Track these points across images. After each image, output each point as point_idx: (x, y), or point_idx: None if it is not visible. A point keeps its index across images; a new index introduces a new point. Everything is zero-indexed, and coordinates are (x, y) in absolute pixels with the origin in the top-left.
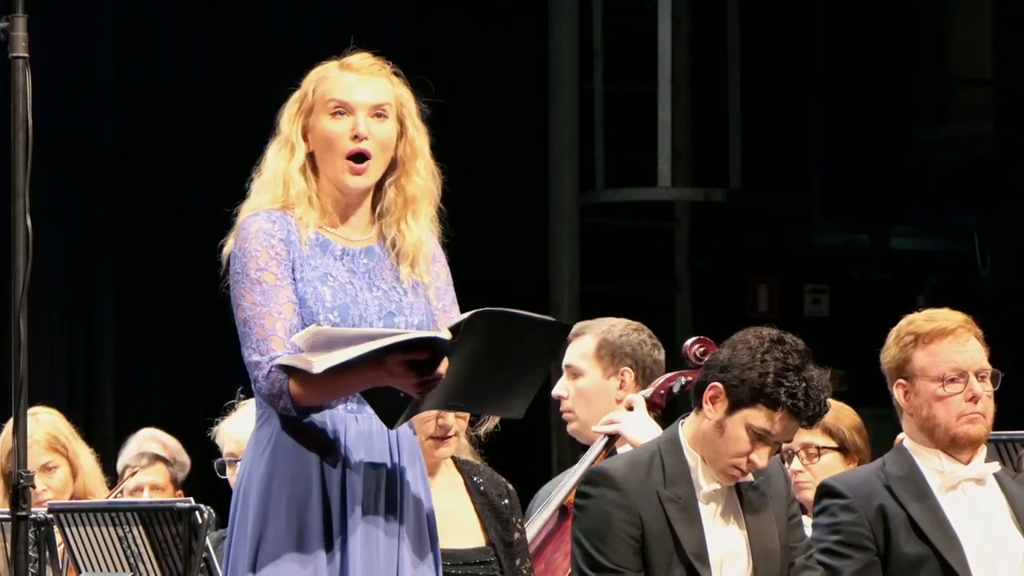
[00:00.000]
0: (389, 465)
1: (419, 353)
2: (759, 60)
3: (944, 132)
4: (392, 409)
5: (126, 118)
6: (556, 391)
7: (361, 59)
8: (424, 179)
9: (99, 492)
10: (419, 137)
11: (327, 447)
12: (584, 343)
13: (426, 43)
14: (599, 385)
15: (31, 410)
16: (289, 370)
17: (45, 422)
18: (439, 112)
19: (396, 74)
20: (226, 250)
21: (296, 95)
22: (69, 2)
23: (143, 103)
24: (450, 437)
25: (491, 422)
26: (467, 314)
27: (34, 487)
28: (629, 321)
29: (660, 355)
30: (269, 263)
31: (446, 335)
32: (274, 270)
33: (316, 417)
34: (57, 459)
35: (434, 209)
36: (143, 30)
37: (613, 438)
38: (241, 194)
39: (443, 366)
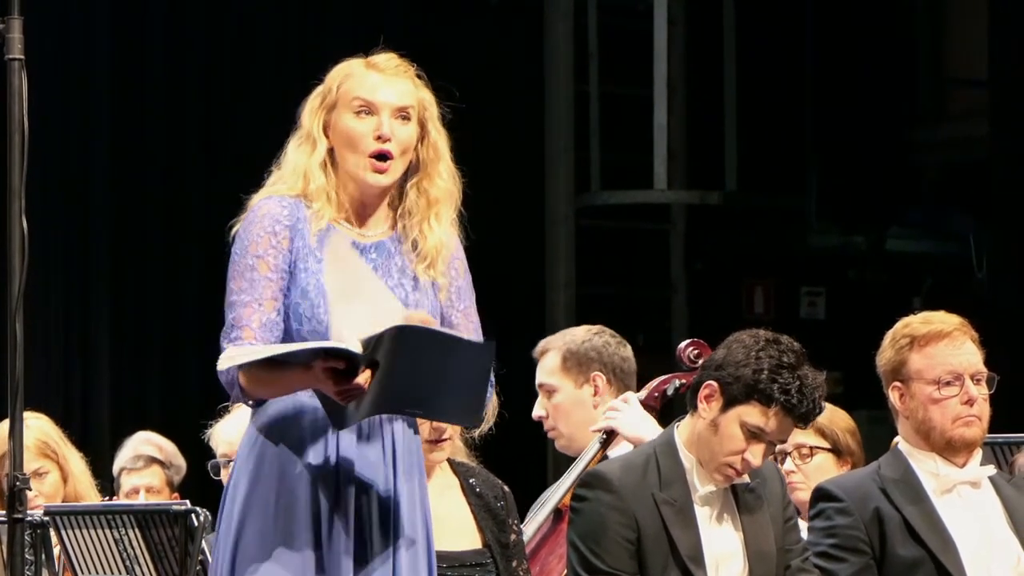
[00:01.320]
0: (383, 464)
1: (336, 362)
2: (755, 62)
3: (940, 134)
4: (338, 411)
5: (121, 120)
6: (535, 412)
7: (387, 59)
8: (446, 181)
9: (90, 497)
10: (441, 140)
11: (318, 445)
12: (549, 359)
13: (421, 43)
14: (574, 397)
15: None
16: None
17: (34, 428)
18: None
19: (419, 76)
20: (234, 230)
21: (319, 90)
22: (64, 4)
23: (138, 105)
24: (444, 440)
25: (485, 424)
26: (381, 329)
27: (30, 489)
28: (589, 326)
29: (627, 352)
30: (267, 252)
31: (357, 347)
32: (270, 260)
33: (307, 414)
34: (47, 464)
35: (455, 212)
36: (138, 32)
37: (610, 437)
38: (236, 195)
39: (362, 377)
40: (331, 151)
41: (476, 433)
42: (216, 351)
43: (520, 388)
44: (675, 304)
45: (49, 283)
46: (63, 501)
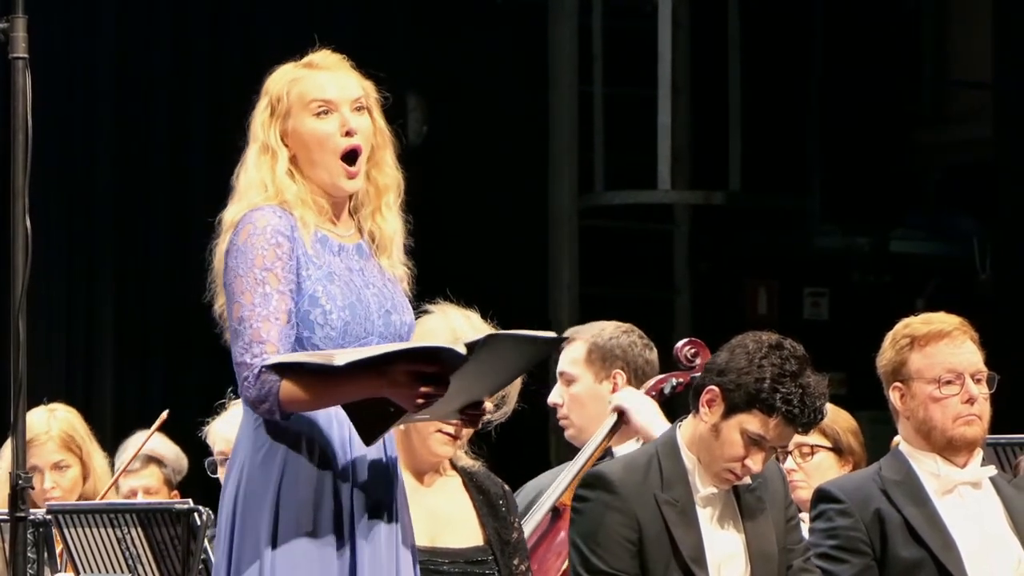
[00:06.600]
0: (384, 462)
1: (428, 365)
2: (759, 63)
3: (943, 135)
4: (373, 423)
5: (125, 119)
6: (551, 399)
7: (326, 56)
8: (392, 168)
9: (107, 496)
10: (385, 127)
11: (336, 447)
12: (575, 349)
13: (425, 45)
14: (592, 390)
15: (50, 405)
16: (282, 372)
17: (62, 419)
18: (437, 114)
19: (354, 67)
20: (221, 247)
21: (264, 102)
22: (69, 3)
23: (142, 104)
24: (460, 438)
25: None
26: (483, 335)
27: (33, 488)
28: (619, 323)
29: (652, 355)
30: (275, 264)
31: (462, 349)
32: (279, 273)
33: (321, 418)
34: (70, 458)
35: (400, 198)
36: (143, 31)
37: (618, 423)
38: None
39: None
40: (292, 159)
41: (499, 421)
42: (215, 353)
43: (525, 384)
44: (679, 305)
45: (52, 282)
46: (81, 498)
